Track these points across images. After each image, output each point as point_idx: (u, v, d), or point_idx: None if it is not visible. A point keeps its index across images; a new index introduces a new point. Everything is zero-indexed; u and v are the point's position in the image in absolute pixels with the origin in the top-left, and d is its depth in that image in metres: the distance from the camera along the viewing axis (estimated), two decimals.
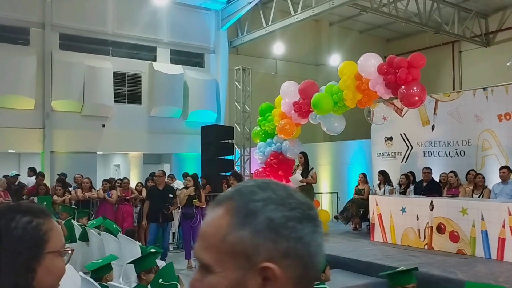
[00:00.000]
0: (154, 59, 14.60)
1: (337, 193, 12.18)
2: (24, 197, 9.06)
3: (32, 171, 11.16)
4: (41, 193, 9.19)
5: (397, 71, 7.23)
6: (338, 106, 8.29)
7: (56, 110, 12.86)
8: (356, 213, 9.96)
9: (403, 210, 8.15)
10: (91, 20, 13.39)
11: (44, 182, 9.95)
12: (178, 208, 9.16)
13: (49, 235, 1.09)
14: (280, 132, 9.38)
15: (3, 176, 10.09)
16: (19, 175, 10.61)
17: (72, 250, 1.18)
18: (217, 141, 11.98)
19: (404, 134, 10.42)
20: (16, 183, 10.04)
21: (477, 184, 8.36)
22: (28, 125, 12.55)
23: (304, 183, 8.93)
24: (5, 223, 1.06)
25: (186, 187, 8.62)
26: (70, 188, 10.02)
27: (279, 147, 9.67)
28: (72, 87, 12.84)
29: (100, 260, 4.30)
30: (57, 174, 10.84)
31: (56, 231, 1.12)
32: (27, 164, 12.66)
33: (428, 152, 10.05)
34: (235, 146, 12.35)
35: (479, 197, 8.10)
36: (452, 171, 8.74)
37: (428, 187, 8.72)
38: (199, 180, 9.40)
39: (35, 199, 8.96)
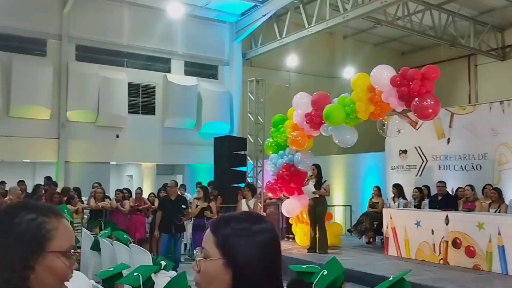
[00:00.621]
0: (169, 71, 14.73)
1: (350, 206, 12.06)
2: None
3: (48, 180, 11.25)
4: (55, 201, 9.25)
5: (410, 83, 7.15)
6: (350, 118, 8.22)
7: (71, 120, 13.01)
8: (370, 226, 9.82)
9: (417, 224, 8.02)
10: (107, 32, 13.59)
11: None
12: (190, 219, 9.13)
13: (53, 234, 1.06)
14: (292, 144, 9.32)
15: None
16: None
17: (78, 253, 1.16)
18: (230, 152, 11.97)
19: (419, 147, 10.29)
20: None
21: (492, 198, 8.20)
22: (43, 135, 12.70)
23: (317, 195, 8.86)
24: (9, 218, 1.05)
25: (197, 198, 8.61)
26: (84, 198, 10.06)
27: (291, 159, 9.61)
28: (87, 97, 13.00)
29: (112, 269, 4.27)
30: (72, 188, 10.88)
31: (63, 231, 1.09)
32: (42, 174, 12.79)
33: (444, 165, 9.90)
34: (248, 157, 12.32)
35: (495, 211, 7.93)
36: (468, 185, 8.59)
37: (444, 201, 8.58)
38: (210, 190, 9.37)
39: None
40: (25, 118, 12.36)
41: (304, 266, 4.33)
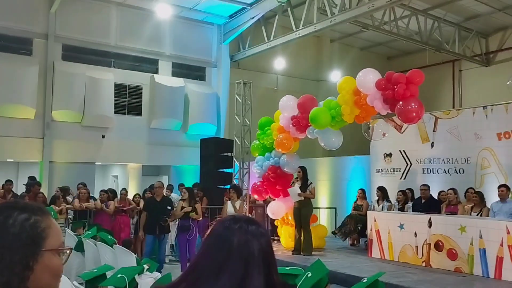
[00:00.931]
0: (156, 72, 14.68)
1: (335, 208, 12.14)
2: None
3: (32, 180, 11.12)
4: (39, 201, 9.16)
5: (395, 86, 7.25)
6: (336, 121, 8.30)
7: (57, 120, 12.90)
8: (354, 228, 9.90)
9: (401, 226, 8.11)
10: (94, 32, 13.50)
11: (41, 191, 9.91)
12: (175, 220, 9.11)
13: (47, 232, 1.07)
14: (278, 146, 9.37)
15: (6, 181, 10.09)
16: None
17: (71, 249, 1.17)
18: (216, 154, 11.97)
19: (404, 151, 10.41)
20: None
21: (473, 201, 8.33)
22: (28, 134, 12.57)
23: (302, 198, 8.92)
24: (2, 220, 1.04)
25: (182, 199, 8.60)
26: (68, 198, 9.98)
27: (277, 161, 9.66)
28: (73, 97, 12.90)
29: (95, 270, 4.26)
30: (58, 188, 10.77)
31: (54, 229, 1.10)
32: (26, 173, 12.65)
33: (427, 169, 10.03)
34: (234, 159, 12.34)
35: (477, 215, 8.06)
36: (451, 188, 8.72)
37: (427, 204, 8.70)
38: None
39: None
40: (10, 117, 12.21)
41: (288, 268, 4.38)
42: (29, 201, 8.20)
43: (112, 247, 6.56)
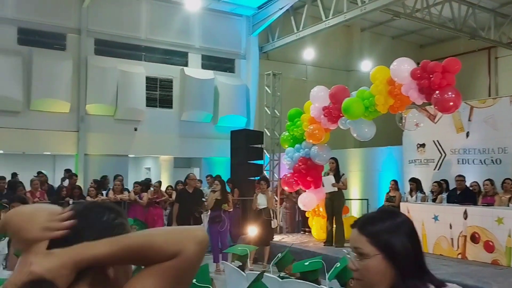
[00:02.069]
0: (186, 64, 14.79)
1: (367, 199, 12.02)
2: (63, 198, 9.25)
3: (68, 172, 11.43)
4: (75, 194, 9.41)
5: (431, 76, 7.09)
6: (369, 111, 8.18)
7: (90, 114, 13.17)
8: None
9: (435, 218, 7.97)
10: (125, 26, 13.69)
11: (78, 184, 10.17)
12: (206, 211, 9.22)
13: (125, 233, 1.11)
14: (309, 137, 9.32)
15: (38, 173, 10.36)
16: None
17: None
18: (246, 145, 11.99)
19: (437, 141, 10.20)
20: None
21: (511, 192, 8.10)
22: (63, 128, 12.89)
23: (335, 189, 8.87)
24: (95, 216, 1.08)
25: (213, 191, 8.66)
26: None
27: (307, 152, 9.60)
28: (106, 91, 13.14)
29: None
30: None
31: (128, 231, 1.14)
32: (62, 166, 13.00)
33: (462, 159, 9.81)
34: (265, 151, 12.34)
35: None
36: (488, 179, 8.50)
37: (462, 195, 8.51)
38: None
39: (70, 201, 9.18)
40: (45, 111, 12.55)
41: (307, 263, 4.46)
42: (67, 193, 8.41)
43: None
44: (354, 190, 12.76)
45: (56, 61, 12.62)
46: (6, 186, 9.14)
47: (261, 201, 8.69)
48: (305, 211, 10.08)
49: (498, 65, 16.31)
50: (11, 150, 13.09)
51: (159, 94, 14.33)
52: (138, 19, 13.98)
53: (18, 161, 13.77)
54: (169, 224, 9.20)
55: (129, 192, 9.93)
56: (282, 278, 4.40)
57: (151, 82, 14.05)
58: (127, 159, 14.13)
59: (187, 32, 14.60)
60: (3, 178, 9.18)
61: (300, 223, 11.10)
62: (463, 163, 9.78)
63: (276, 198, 10.96)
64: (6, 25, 12.24)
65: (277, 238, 9.72)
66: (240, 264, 4.67)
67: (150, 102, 14.03)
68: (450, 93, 7.09)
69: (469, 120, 9.65)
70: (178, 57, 14.78)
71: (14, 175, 10.98)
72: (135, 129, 13.78)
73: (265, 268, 8.29)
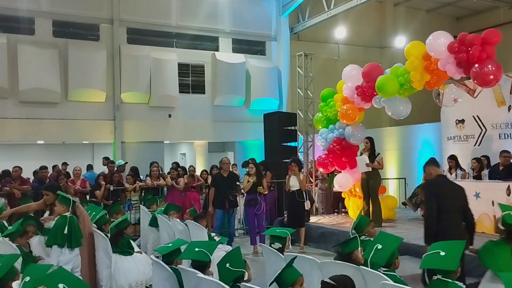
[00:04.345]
0: (217, 49, 14.80)
1: (404, 178, 11.80)
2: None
3: (107, 160, 11.69)
4: (115, 180, 9.64)
5: (469, 49, 6.80)
6: (404, 88, 7.96)
7: (125, 102, 13.42)
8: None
9: (477, 195, 7.73)
10: (156, 14, 13.79)
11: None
12: (242, 195, 9.27)
13: None
14: (343, 118, 9.17)
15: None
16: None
17: None
18: (280, 128, 11.94)
19: (477, 116, 9.85)
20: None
21: None
22: (100, 117, 13.20)
23: (370, 169, 8.74)
24: None
25: (248, 174, 8.69)
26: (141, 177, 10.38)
27: (341, 133, 9.46)
28: (140, 79, 13.33)
29: (170, 245, 4.40)
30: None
31: None
32: (100, 154, 13.34)
33: (504, 134, 9.44)
34: (298, 132, 12.26)
35: None
36: None
37: (505, 171, 8.21)
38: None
39: (111, 187, 9.41)
40: (83, 101, 12.87)
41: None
42: (107, 179, 8.62)
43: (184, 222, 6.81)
44: (391, 169, 12.55)
45: (90, 51, 12.87)
46: (48, 175, 9.45)
47: (293, 183, 8.66)
48: (341, 192, 9.98)
49: None
50: (51, 141, 13.52)
51: (191, 80, 14.42)
52: (168, 6, 14.04)
53: (59, 151, 14.22)
54: (206, 207, 9.31)
55: (165, 178, 10.02)
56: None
57: (183, 68, 14.15)
58: (163, 145, 14.35)
59: (217, 17, 14.58)
60: (45, 167, 9.48)
61: (331, 204, 11.00)
62: (505, 138, 9.41)
63: (312, 180, 10.90)
64: (41, 18, 12.55)
65: (313, 219, 9.69)
66: (280, 246, 4.68)
67: (183, 88, 14.15)
68: (490, 66, 6.78)
69: (511, 93, 9.26)
70: (209, 42, 14.79)
71: (63, 164, 11.30)
72: (169, 116, 13.96)
73: (302, 249, 8.31)
